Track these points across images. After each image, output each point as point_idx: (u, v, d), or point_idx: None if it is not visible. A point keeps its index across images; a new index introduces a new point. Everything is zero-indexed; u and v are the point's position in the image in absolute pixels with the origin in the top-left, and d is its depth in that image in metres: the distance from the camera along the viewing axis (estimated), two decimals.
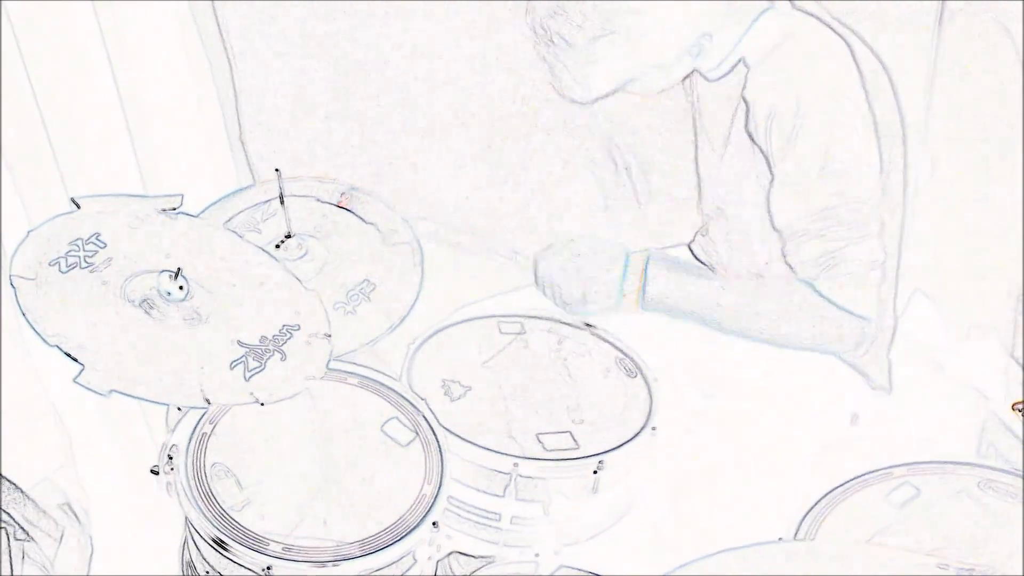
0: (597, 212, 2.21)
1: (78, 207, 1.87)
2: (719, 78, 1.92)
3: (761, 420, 1.95)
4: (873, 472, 1.79)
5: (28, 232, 1.82)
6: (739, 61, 1.89)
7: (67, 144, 2.11)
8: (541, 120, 2.17)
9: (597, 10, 1.83)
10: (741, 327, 1.93)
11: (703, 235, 2.09)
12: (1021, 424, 1.89)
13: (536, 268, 2.00)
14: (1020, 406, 1.91)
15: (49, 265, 1.78)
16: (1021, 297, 2.04)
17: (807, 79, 1.84)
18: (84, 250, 1.81)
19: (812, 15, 1.88)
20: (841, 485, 1.77)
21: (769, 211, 1.89)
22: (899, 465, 1.80)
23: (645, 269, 1.95)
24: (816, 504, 1.75)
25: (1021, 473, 1.79)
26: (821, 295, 1.87)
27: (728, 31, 1.87)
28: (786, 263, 1.91)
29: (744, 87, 1.88)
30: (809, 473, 1.82)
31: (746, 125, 1.89)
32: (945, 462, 1.81)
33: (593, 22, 1.84)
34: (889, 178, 1.89)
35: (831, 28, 1.87)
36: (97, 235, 1.84)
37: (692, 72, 1.94)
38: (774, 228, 1.89)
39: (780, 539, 1.71)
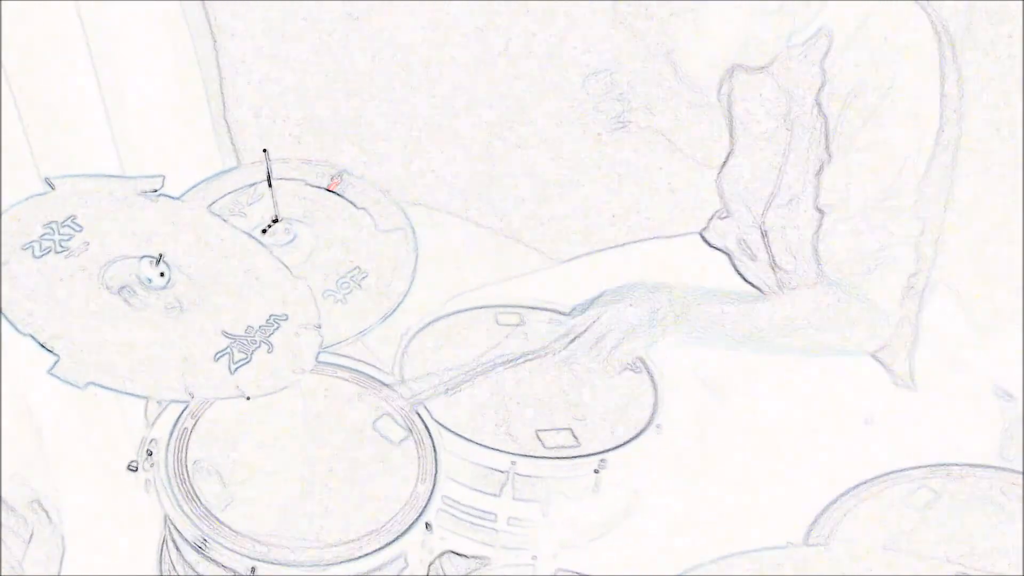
0: (597, 196, 2.21)
1: (53, 188, 1.85)
2: (800, 43, 1.86)
3: (772, 418, 1.94)
4: (890, 474, 1.78)
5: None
6: (819, 29, 1.84)
7: (41, 121, 2.10)
8: (542, 103, 2.15)
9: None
10: (777, 345, 1.90)
11: (721, 218, 2.05)
12: None
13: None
14: None
15: (22, 249, 1.76)
16: None
17: (899, 61, 1.79)
18: (59, 234, 1.79)
19: None
20: (856, 487, 1.76)
21: (817, 197, 1.86)
22: (918, 467, 1.79)
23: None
24: (829, 507, 1.73)
25: None
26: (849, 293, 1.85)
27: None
28: (816, 263, 1.89)
29: (825, 57, 1.83)
30: (822, 475, 1.80)
31: (817, 95, 1.84)
32: (967, 464, 1.80)
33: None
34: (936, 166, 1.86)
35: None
36: (73, 218, 1.81)
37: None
38: (816, 208, 1.86)
39: (788, 543, 1.67)
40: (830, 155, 1.85)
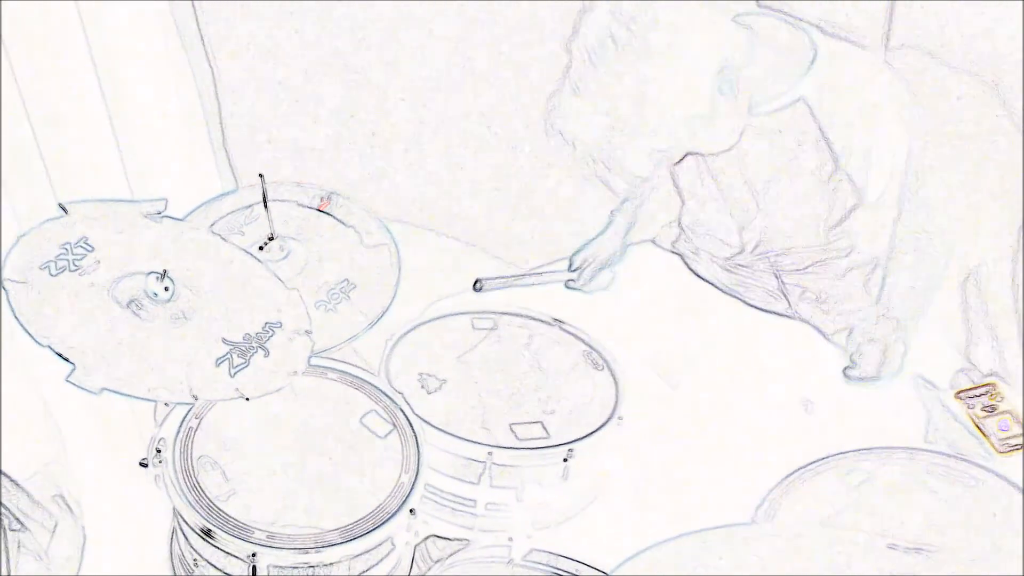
0: (558, 211, 2.23)
1: (66, 212, 1.86)
2: (770, 112, 1.88)
3: (722, 408, 1.95)
4: (828, 457, 1.80)
5: (18, 237, 1.82)
6: (798, 99, 1.86)
7: (56, 153, 2.11)
8: (501, 128, 2.19)
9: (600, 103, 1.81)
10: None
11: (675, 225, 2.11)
12: (964, 412, 1.90)
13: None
14: (964, 394, 1.92)
15: (39, 268, 1.78)
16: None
17: (878, 107, 1.85)
18: (73, 254, 1.81)
19: (838, 37, 1.89)
20: (798, 470, 1.78)
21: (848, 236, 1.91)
22: (852, 451, 1.81)
23: None
24: (774, 488, 1.75)
25: (965, 458, 1.80)
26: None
27: (767, 61, 1.85)
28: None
29: (820, 126, 1.86)
30: (768, 459, 1.82)
31: (834, 159, 1.87)
32: (895, 447, 1.82)
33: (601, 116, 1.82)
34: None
35: (860, 46, 1.89)
36: (85, 239, 1.83)
37: None
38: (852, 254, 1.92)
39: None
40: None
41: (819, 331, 2.00)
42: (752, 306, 2.04)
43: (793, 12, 1.89)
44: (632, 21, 1.77)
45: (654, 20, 1.77)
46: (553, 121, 1.87)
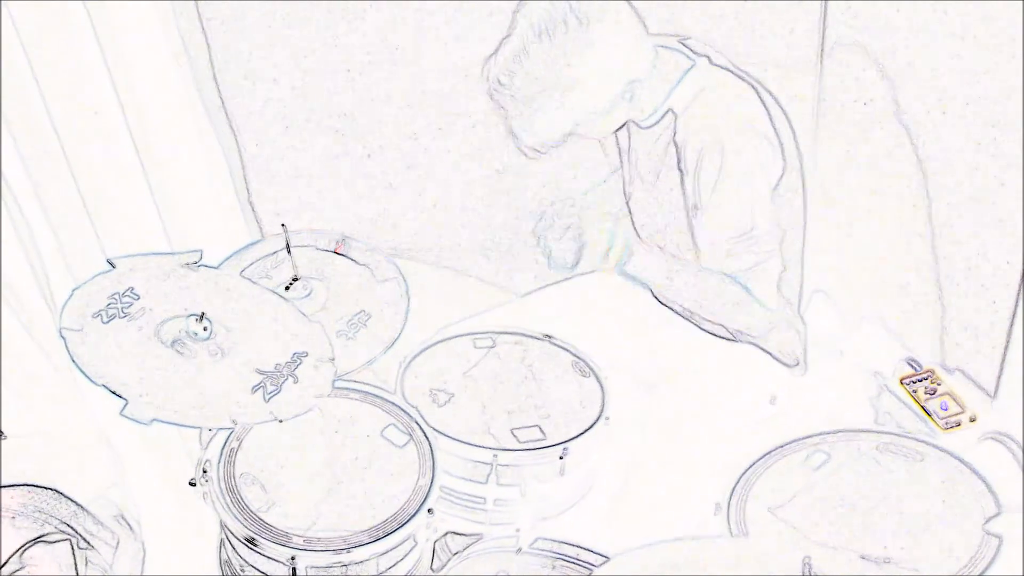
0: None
1: (114, 267, 1.90)
2: (650, 126, 1.94)
3: (696, 406, 1.99)
4: (792, 442, 1.82)
5: (73, 290, 1.85)
6: (668, 111, 1.91)
7: (105, 216, 2.14)
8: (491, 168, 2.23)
9: (537, 70, 1.84)
10: (690, 307, 1.96)
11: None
12: (908, 396, 1.92)
13: (536, 230, 1.97)
14: (907, 380, 1.95)
15: (93, 317, 1.81)
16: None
17: (727, 122, 1.86)
18: (121, 302, 1.84)
19: (726, 68, 1.92)
20: (766, 454, 1.81)
21: (694, 235, 1.94)
22: (813, 435, 1.84)
23: (628, 243, 1.93)
24: (746, 472, 1.78)
25: (912, 435, 1.84)
26: (744, 287, 1.92)
27: (656, 84, 1.89)
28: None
29: (675, 133, 1.89)
30: (739, 447, 1.83)
31: (678, 164, 1.91)
32: (849, 430, 1.85)
33: (534, 79, 1.84)
34: (787, 198, 1.93)
35: (742, 79, 1.90)
36: (132, 289, 1.86)
37: (626, 122, 1.98)
38: (698, 248, 1.93)
39: (716, 504, 1.73)
40: (699, 205, 1.91)
41: (759, 347, 2.02)
42: (703, 329, 2.07)
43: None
44: (583, 14, 1.81)
45: (600, 16, 1.81)
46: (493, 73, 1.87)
